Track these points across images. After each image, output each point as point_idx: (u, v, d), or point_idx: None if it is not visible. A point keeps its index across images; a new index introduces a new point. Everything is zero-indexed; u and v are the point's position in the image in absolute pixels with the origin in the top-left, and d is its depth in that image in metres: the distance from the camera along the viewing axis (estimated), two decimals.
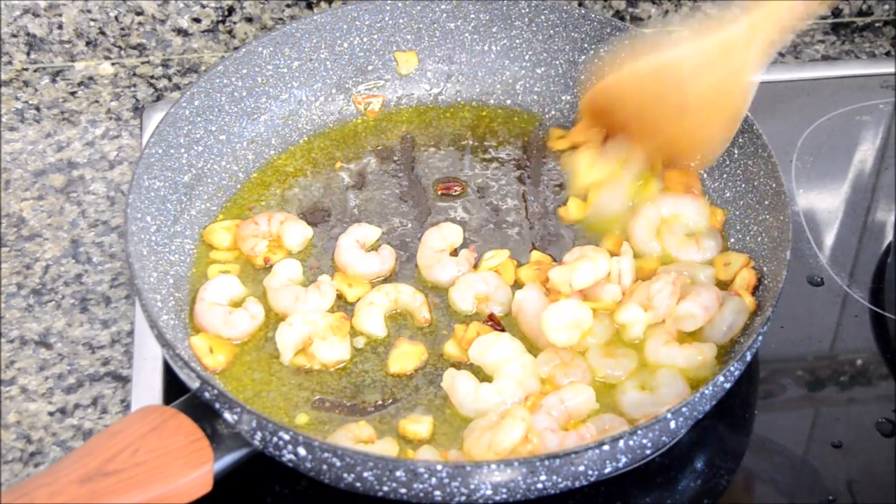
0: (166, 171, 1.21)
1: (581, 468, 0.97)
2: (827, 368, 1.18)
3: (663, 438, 1.01)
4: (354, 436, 1.07)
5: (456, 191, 1.30)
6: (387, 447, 1.06)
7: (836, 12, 1.55)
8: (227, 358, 1.13)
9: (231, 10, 1.46)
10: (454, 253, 1.22)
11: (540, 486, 0.98)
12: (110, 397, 1.16)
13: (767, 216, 1.17)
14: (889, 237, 1.30)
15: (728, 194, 1.24)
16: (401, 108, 1.37)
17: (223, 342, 1.14)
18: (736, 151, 1.23)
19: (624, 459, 0.99)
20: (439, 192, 1.30)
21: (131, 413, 1.03)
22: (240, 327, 1.15)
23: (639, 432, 0.98)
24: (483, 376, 1.12)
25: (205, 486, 1.00)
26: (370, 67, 1.37)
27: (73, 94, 1.44)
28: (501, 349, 1.11)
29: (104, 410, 1.15)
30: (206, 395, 1.02)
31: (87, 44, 1.46)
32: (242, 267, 1.21)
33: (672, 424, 1.00)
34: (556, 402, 1.07)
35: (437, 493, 0.97)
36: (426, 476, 0.96)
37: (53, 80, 1.46)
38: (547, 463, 0.96)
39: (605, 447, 0.97)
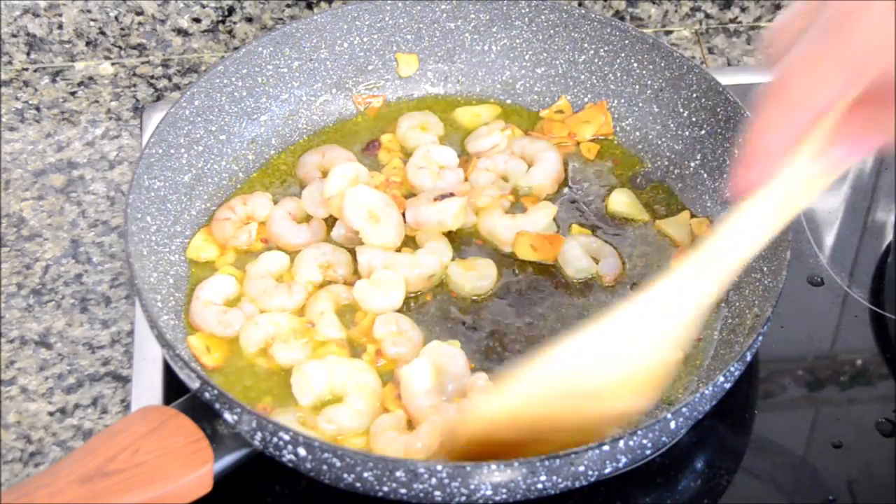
0: (166, 171, 1.21)
1: (581, 468, 0.97)
2: (827, 368, 1.18)
3: (663, 438, 1.01)
4: (299, 418, 1.08)
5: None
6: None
7: None
8: (223, 356, 1.13)
9: (231, 10, 1.46)
10: None
11: (540, 486, 0.98)
12: (110, 397, 1.16)
13: None
14: (889, 237, 1.30)
15: (728, 194, 1.24)
16: (401, 108, 1.37)
17: (220, 340, 1.14)
18: (736, 151, 1.23)
19: (624, 459, 0.99)
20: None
21: (131, 413, 1.03)
22: (234, 326, 1.15)
23: (639, 432, 0.98)
24: None
25: (205, 487, 1.00)
26: (370, 67, 1.37)
27: (73, 94, 1.44)
28: (344, 375, 1.11)
29: (104, 410, 1.15)
30: (206, 395, 1.02)
31: (87, 44, 1.46)
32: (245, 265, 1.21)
33: (672, 425, 1.00)
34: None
35: (437, 493, 0.97)
36: (426, 476, 0.96)
37: (53, 80, 1.46)
38: (547, 463, 0.96)
39: (605, 447, 0.97)
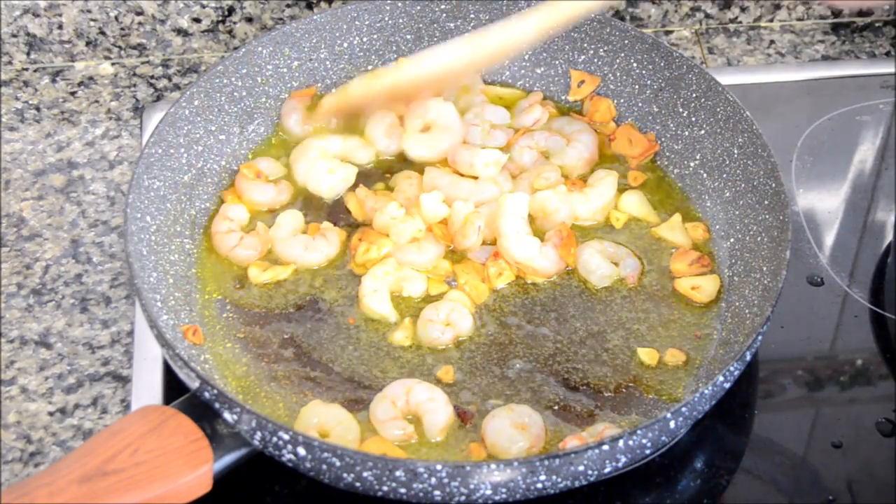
0: (166, 171, 1.21)
1: (581, 468, 0.97)
2: (827, 368, 1.18)
3: (663, 438, 1.01)
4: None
5: None
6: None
7: (837, 12, 1.55)
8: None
9: (231, 10, 1.46)
10: None
11: (539, 485, 0.98)
12: (110, 397, 1.16)
13: (767, 216, 1.17)
14: (889, 237, 1.30)
15: (728, 194, 1.24)
16: None
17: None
18: (736, 151, 1.23)
19: (623, 459, 0.99)
20: None
21: (131, 413, 1.04)
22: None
23: (638, 432, 0.98)
24: None
25: (204, 486, 1.00)
26: (370, 67, 1.37)
27: (73, 94, 1.44)
28: None
29: (104, 410, 1.15)
30: (206, 394, 1.02)
31: (87, 44, 1.46)
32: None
33: (672, 424, 1.00)
34: None
35: (437, 492, 0.97)
36: (426, 476, 0.96)
37: (53, 80, 1.46)
38: (546, 463, 0.96)
39: (605, 447, 0.97)
